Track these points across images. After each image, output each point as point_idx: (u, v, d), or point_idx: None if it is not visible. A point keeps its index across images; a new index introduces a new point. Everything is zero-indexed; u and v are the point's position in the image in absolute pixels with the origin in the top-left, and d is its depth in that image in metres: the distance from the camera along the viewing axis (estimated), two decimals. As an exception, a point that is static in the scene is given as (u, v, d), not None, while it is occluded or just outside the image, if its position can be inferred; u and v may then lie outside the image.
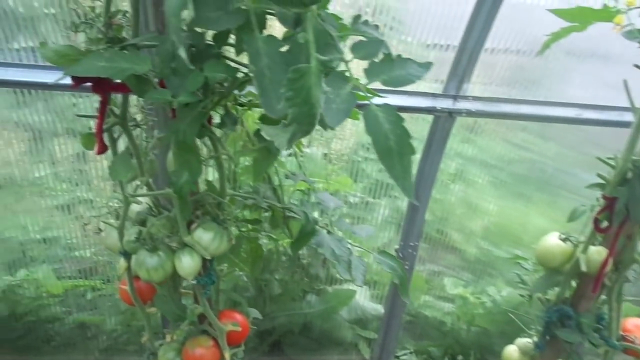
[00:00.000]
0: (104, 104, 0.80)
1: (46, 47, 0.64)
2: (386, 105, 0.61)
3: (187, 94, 0.62)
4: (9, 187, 1.71)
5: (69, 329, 1.92)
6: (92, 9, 0.77)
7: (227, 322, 1.10)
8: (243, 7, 0.53)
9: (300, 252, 1.77)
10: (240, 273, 1.78)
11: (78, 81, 0.77)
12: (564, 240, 1.14)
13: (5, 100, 1.53)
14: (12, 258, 1.74)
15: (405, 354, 2.02)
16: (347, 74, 0.60)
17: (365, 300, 1.91)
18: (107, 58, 0.61)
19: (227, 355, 1.11)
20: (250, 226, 1.23)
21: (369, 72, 0.59)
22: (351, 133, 1.89)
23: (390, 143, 0.61)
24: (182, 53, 0.47)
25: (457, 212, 2.11)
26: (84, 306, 1.90)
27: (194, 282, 0.97)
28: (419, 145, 1.61)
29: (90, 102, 1.55)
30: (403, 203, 1.96)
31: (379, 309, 1.90)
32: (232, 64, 0.67)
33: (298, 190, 1.17)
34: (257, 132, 0.82)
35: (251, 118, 1.16)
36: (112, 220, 1.02)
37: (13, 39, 1.40)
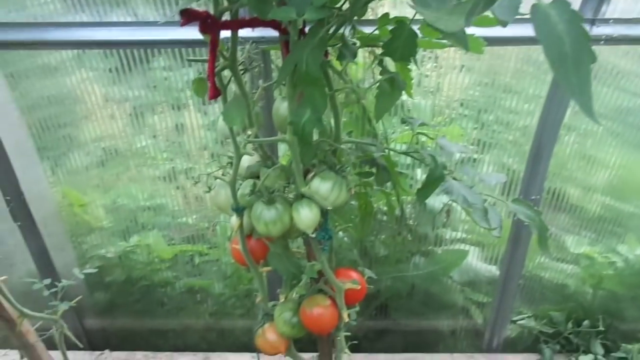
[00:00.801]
0: (214, 44, 0.75)
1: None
2: (560, 1, 0.49)
3: (314, 9, 0.54)
4: (116, 158, 1.77)
5: (179, 293, 1.98)
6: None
7: (344, 280, 1.04)
8: None
9: (407, 210, 1.68)
10: (342, 234, 1.72)
11: (187, 19, 0.72)
12: None
13: (105, 79, 1.59)
14: (125, 225, 1.81)
15: (522, 319, 1.87)
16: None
17: (478, 262, 1.78)
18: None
19: (345, 315, 1.06)
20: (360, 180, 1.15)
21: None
22: (450, 85, 1.74)
23: (564, 48, 0.49)
24: None
25: (572, 167, 1.90)
26: (192, 272, 1.94)
27: (313, 236, 0.91)
28: (543, 81, 1.44)
29: (180, 75, 1.56)
30: (509, 159, 1.79)
31: (493, 270, 1.77)
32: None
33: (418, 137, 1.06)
34: (381, 63, 0.72)
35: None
36: (223, 176, 0.98)
37: (107, 15, 1.42)
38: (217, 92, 0.77)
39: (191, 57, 0.82)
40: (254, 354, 1.94)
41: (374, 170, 1.24)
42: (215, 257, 1.91)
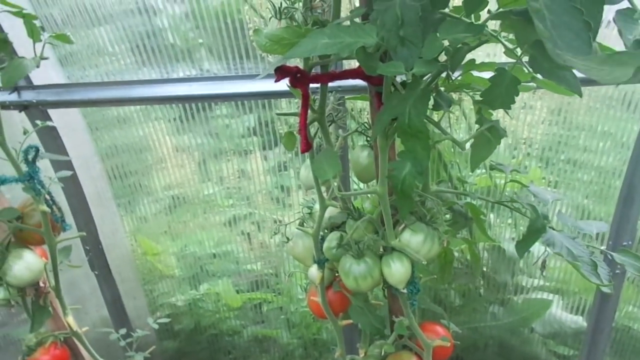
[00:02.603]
0: (306, 97, 0.75)
1: (259, 33, 0.59)
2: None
3: (423, 63, 0.52)
4: (184, 205, 1.80)
5: (245, 341, 1.95)
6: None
7: (431, 336, 0.99)
8: None
9: (483, 257, 1.60)
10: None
11: (281, 75, 0.72)
12: None
13: (170, 128, 1.64)
14: (194, 272, 1.82)
15: (615, 375, 1.72)
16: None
17: (563, 312, 1.66)
18: (329, 34, 0.54)
19: (432, 374, 1.00)
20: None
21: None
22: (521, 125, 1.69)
23: None
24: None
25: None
26: (259, 319, 1.92)
27: (403, 291, 0.87)
28: (619, 119, 1.37)
29: (241, 122, 1.59)
30: (583, 200, 1.69)
31: (580, 321, 1.64)
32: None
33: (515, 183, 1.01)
34: (479, 111, 0.69)
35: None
36: (306, 227, 0.96)
37: (174, 69, 1.49)
38: (309, 146, 0.76)
39: (279, 112, 0.82)
40: (322, 407, 1.87)
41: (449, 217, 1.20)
42: (280, 305, 1.88)
